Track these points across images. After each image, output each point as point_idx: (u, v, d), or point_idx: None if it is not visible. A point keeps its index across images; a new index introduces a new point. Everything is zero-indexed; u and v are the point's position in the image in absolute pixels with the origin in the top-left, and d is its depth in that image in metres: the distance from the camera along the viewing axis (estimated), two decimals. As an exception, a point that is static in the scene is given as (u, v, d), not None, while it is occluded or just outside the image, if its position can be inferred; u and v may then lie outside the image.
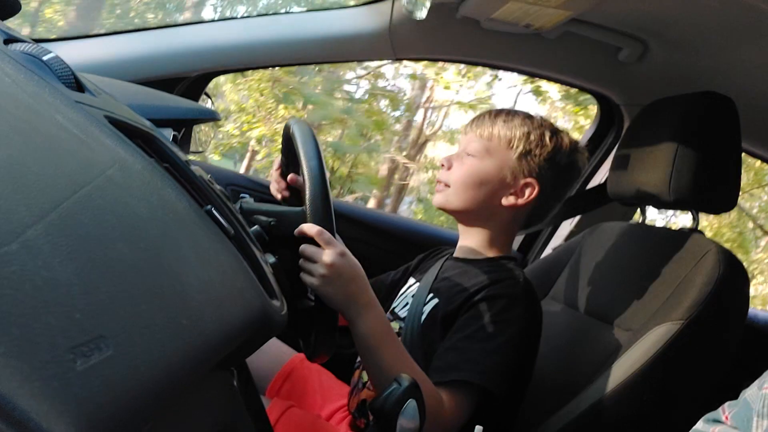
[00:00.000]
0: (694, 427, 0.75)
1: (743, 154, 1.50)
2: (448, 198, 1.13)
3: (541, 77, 1.72)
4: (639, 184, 1.25)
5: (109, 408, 0.27)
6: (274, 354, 1.36)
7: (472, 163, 1.11)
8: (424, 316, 1.08)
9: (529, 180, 1.09)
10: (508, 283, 1.03)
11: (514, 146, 1.10)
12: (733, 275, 1.08)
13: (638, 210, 1.43)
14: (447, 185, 1.13)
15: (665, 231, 1.28)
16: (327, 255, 0.90)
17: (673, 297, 1.09)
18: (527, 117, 1.13)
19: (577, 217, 1.84)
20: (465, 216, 1.15)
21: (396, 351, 0.94)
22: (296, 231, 0.91)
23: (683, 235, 1.22)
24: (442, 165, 1.15)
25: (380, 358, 0.92)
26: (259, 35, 1.48)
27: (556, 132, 1.12)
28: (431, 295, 1.11)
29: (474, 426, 0.72)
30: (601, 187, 1.60)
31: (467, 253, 1.16)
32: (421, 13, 1.26)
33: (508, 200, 1.10)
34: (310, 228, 0.89)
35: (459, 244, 1.19)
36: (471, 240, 1.15)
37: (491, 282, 1.04)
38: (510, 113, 1.14)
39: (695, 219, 1.25)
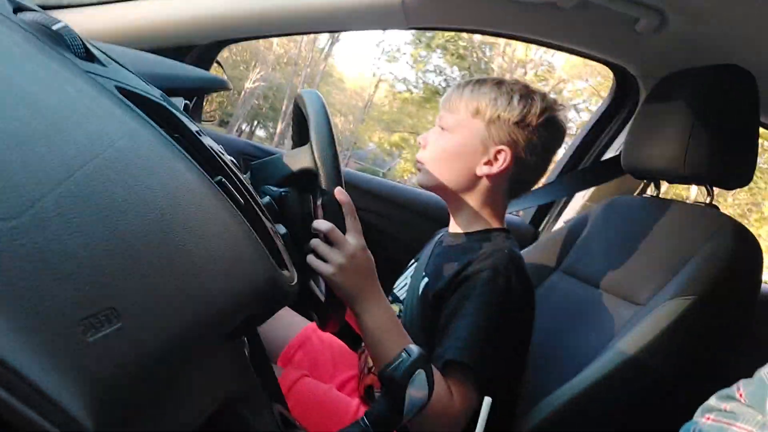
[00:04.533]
0: (705, 403, 0.75)
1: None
2: (424, 176, 1.12)
3: (556, 48, 1.69)
4: (654, 157, 1.23)
5: (119, 379, 0.27)
6: (287, 323, 1.37)
7: (442, 139, 1.10)
8: (419, 296, 1.09)
9: (500, 147, 1.06)
10: (494, 257, 1.02)
11: (482, 114, 1.07)
12: (747, 250, 1.08)
13: (652, 184, 1.41)
14: (423, 164, 1.12)
15: (679, 205, 1.27)
16: (351, 245, 0.91)
17: (685, 272, 1.09)
18: (497, 83, 1.09)
19: (591, 190, 1.83)
20: (445, 192, 1.13)
21: (401, 345, 0.94)
22: (313, 224, 0.91)
23: (697, 209, 1.21)
24: (419, 144, 1.15)
25: (384, 351, 0.92)
26: (271, 3, 1.47)
27: (527, 94, 1.08)
28: (424, 274, 1.11)
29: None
30: (616, 159, 1.58)
31: (457, 228, 1.15)
32: None
33: (482, 170, 1.07)
34: (322, 224, 0.90)
35: (450, 220, 1.19)
36: (458, 215, 1.15)
37: (476, 257, 1.03)
38: (479, 81, 1.11)
39: (710, 194, 1.24)
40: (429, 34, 17.03)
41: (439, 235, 1.22)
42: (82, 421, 0.23)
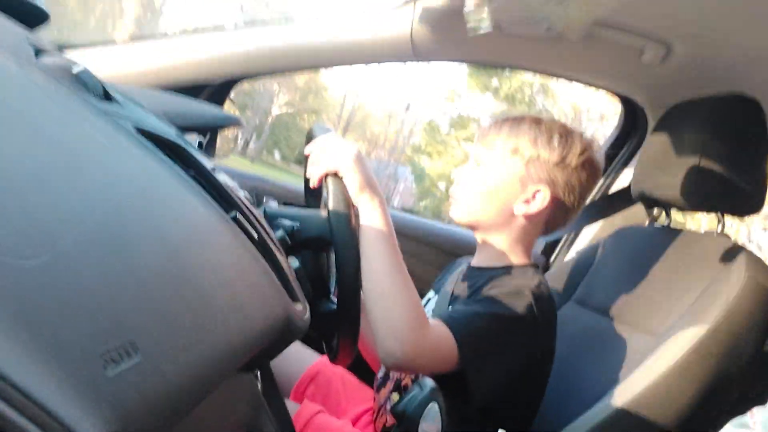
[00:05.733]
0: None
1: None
2: (459, 211, 1.12)
3: (563, 78, 1.70)
4: (664, 186, 1.23)
5: (138, 412, 0.28)
6: (298, 357, 1.37)
7: (479, 175, 1.10)
8: None
9: (539, 186, 1.06)
10: (521, 280, 1.01)
11: (521, 153, 1.06)
12: (760, 280, 1.07)
13: (663, 213, 1.41)
14: (457, 198, 1.12)
15: (691, 234, 1.26)
16: (353, 145, 0.93)
17: (698, 301, 1.08)
18: (535, 121, 1.09)
19: (601, 221, 1.82)
20: (478, 227, 1.13)
21: (396, 254, 0.93)
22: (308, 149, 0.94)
23: (709, 238, 1.21)
24: (453, 178, 1.15)
25: (380, 256, 0.91)
26: (282, 41, 1.50)
27: (566, 133, 1.08)
28: (450, 307, 1.09)
29: (496, 429, 0.72)
30: (625, 189, 1.58)
31: (484, 261, 1.14)
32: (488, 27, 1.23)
33: (519, 209, 1.07)
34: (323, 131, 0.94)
35: (476, 254, 1.18)
36: (487, 249, 1.13)
37: (504, 277, 1.03)
38: (517, 119, 1.11)
39: (721, 222, 1.24)
40: (495, 83, 17.59)
41: (460, 268, 1.21)
42: (102, 453, 0.24)
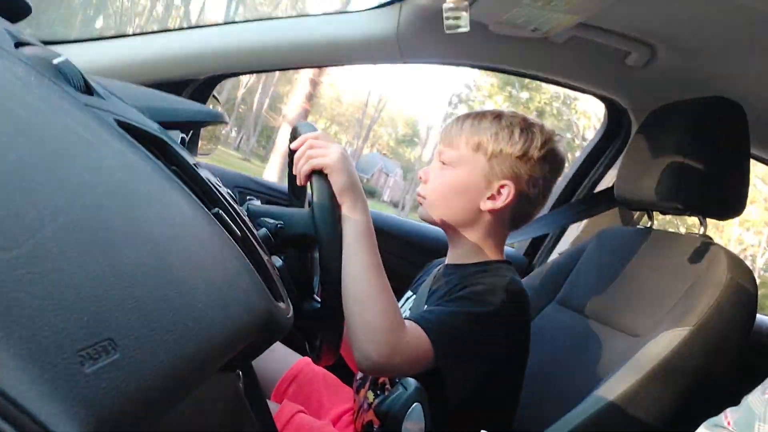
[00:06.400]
0: None
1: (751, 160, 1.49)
2: (427, 211, 1.12)
3: (549, 81, 1.71)
4: (646, 188, 1.24)
5: (116, 410, 0.27)
6: (280, 357, 1.36)
7: (444, 174, 1.10)
8: None
9: (504, 181, 1.06)
10: (495, 278, 1.02)
11: (483, 149, 1.07)
12: (741, 281, 1.08)
13: (646, 215, 1.42)
14: (425, 198, 1.12)
15: (673, 236, 1.27)
16: (339, 144, 0.92)
17: (680, 303, 1.09)
18: (496, 116, 1.10)
19: (584, 222, 1.83)
20: (447, 226, 1.13)
21: (376, 257, 0.92)
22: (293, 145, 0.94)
23: (691, 240, 1.21)
24: (420, 178, 1.15)
25: (360, 258, 0.90)
26: (268, 38, 1.49)
27: (527, 127, 1.08)
28: (426, 306, 1.10)
29: (477, 429, 0.72)
30: (609, 191, 1.59)
31: (458, 259, 1.14)
32: (465, 26, 1.21)
33: (486, 205, 1.07)
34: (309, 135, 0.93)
35: (449, 252, 1.18)
36: (459, 248, 1.14)
37: (477, 276, 1.04)
38: (478, 116, 1.11)
39: (703, 224, 1.25)
40: (525, 95, 17.68)
41: (436, 268, 1.22)
42: (79, 452, 0.23)
